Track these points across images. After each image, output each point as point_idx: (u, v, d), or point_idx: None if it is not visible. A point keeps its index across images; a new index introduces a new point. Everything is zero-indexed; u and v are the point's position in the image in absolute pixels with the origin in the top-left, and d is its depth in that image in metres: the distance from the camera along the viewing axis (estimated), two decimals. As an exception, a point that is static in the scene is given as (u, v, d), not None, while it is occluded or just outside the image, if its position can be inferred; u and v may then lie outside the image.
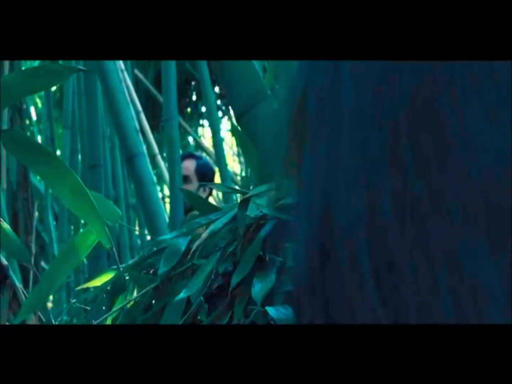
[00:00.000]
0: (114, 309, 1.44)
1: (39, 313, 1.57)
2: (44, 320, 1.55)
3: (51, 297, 4.54)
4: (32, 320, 1.53)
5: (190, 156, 3.59)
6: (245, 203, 1.51)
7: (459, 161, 0.29)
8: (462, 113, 0.29)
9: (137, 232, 4.56)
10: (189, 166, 3.43)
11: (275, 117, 0.39)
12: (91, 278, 2.54)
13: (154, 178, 4.37)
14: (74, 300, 1.43)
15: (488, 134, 0.29)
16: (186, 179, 3.37)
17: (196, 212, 1.79)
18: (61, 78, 1.25)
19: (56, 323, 1.69)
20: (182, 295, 1.39)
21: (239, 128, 1.52)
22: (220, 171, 3.48)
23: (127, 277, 1.54)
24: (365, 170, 0.31)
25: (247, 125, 1.51)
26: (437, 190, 0.29)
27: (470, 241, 0.29)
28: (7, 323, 1.58)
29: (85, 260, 3.86)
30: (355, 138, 0.31)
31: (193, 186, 3.34)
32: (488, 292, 0.28)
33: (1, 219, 1.43)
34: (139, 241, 4.46)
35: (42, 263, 5.21)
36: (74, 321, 1.57)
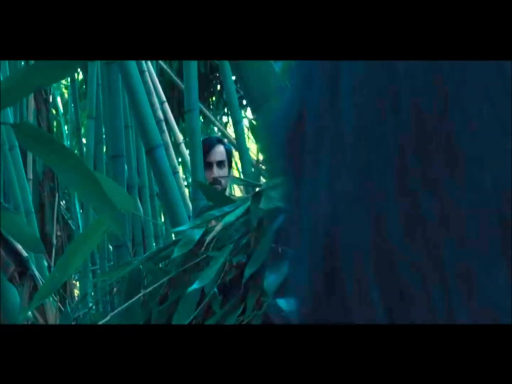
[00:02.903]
0: (130, 301, 1.47)
1: (59, 304, 1.61)
2: (63, 309, 1.59)
3: (77, 284, 4.60)
4: (52, 311, 1.58)
5: (220, 141, 3.56)
6: (258, 195, 1.53)
7: (471, 176, 0.27)
8: (474, 125, 0.28)
9: (160, 221, 4.58)
10: (223, 151, 3.40)
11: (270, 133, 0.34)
12: (114, 266, 2.58)
13: (179, 167, 4.39)
14: (92, 292, 1.46)
15: (501, 146, 0.28)
16: (221, 164, 3.37)
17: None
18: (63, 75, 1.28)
19: (79, 312, 1.73)
20: (195, 285, 1.42)
21: (254, 122, 1.54)
22: (241, 159, 3.49)
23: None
24: (370, 192, 0.29)
25: (260, 119, 1.53)
26: (448, 208, 0.27)
27: (486, 261, 0.27)
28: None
29: (111, 248, 3.90)
30: (357, 159, 0.29)
31: (226, 172, 3.34)
32: (507, 315, 0.27)
33: (14, 211, 1.47)
34: (164, 230, 4.49)
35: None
36: (93, 312, 1.61)
